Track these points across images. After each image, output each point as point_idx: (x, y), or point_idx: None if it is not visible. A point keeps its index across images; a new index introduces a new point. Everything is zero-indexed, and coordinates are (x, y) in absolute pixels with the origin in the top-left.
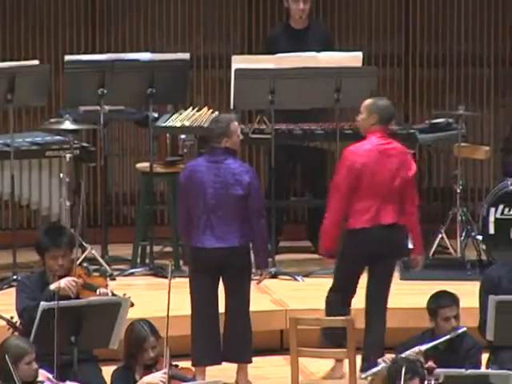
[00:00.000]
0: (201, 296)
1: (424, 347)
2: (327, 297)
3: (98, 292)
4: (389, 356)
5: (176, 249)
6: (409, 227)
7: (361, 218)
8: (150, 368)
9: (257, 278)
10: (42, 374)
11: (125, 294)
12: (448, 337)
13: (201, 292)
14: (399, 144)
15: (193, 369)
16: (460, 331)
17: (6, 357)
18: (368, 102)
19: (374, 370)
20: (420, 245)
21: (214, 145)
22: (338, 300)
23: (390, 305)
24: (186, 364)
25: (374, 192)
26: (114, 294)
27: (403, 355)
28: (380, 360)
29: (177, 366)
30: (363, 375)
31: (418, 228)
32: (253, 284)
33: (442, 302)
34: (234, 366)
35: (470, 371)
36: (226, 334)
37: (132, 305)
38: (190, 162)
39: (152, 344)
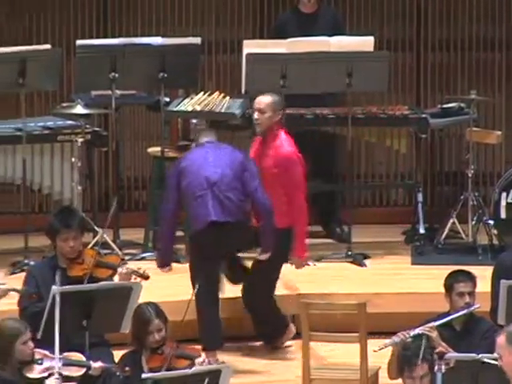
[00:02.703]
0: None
1: (437, 323)
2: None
3: (118, 271)
4: (404, 332)
5: (187, 232)
6: None
7: None
8: (156, 351)
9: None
10: (39, 353)
11: (140, 268)
12: (461, 313)
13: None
14: None
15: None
16: (474, 307)
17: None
18: (268, 100)
19: (387, 343)
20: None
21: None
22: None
23: (400, 290)
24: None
25: None
26: (137, 273)
27: (416, 331)
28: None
29: (184, 347)
30: (376, 348)
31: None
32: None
33: (458, 277)
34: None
35: (481, 355)
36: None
37: (147, 278)
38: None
39: (157, 327)
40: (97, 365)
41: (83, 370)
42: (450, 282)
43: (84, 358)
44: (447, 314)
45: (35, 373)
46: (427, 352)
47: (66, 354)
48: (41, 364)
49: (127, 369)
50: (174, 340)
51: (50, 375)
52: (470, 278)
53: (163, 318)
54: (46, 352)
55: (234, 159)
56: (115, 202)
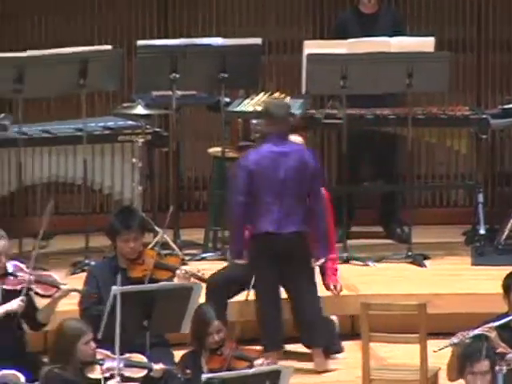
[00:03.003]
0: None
1: (496, 323)
2: None
3: (176, 273)
4: (463, 333)
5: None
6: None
7: None
8: (215, 352)
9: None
10: (101, 353)
11: (199, 271)
12: None
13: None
14: None
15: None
16: None
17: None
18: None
19: (447, 344)
20: None
21: (277, 130)
22: None
23: (460, 290)
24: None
25: None
26: (196, 275)
27: (475, 331)
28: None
29: (243, 348)
30: (436, 349)
31: None
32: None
33: None
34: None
35: None
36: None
37: (205, 280)
38: (254, 150)
39: (216, 328)
40: (158, 366)
41: (144, 372)
42: (509, 283)
43: (145, 359)
44: (506, 314)
45: (96, 373)
46: (489, 349)
47: (127, 355)
48: (102, 364)
49: (188, 371)
50: (233, 340)
51: (111, 376)
52: None
53: (223, 319)
54: (108, 352)
55: (301, 160)
56: (172, 206)
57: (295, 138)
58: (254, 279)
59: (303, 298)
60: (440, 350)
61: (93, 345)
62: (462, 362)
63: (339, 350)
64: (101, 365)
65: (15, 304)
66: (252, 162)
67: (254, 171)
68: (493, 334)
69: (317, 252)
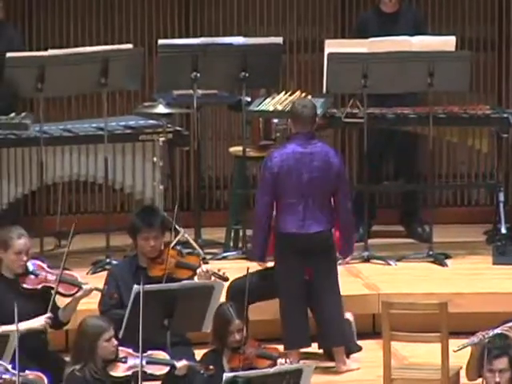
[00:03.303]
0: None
1: None
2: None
3: (197, 272)
4: (483, 332)
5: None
6: None
7: None
8: (237, 350)
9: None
10: (123, 351)
11: (219, 270)
12: None
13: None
14: None
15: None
16: None
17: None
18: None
19: (466, 343)
20: None
21: (303, 129)
22: None
23: (482, 290)
24: (280, 347)
25: None
26: (217, 274)
27: (495, 331)
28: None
29: (264, 347)
30: (455, 348)
31: None
32: (345, 268)
33: None
34: None
35: None
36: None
37: (227, 279)
38: (279, 150)
39: (237, 327)
40: (181, 364)
41: (167, 369)
42: None
43: (168, 357)
44: None
45: (120, 371)
46: (508, 347)
47: (149, 352)
48: (125, 362)
49: (211, 367)
50: (255, 339)
51: (133, 373)
52: None
53: (244, 318)
54: (130, 350)
55: (325, 160)
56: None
57: None
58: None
59: (325, 297)
60: (459, 349)
61: (114, 342)
62: (481, 359)
63: (358, 349)
64: (123, 362)
65: (42, 321)
66: (277, 162)
67: (279, 172)
68: None
69: (343, 250)
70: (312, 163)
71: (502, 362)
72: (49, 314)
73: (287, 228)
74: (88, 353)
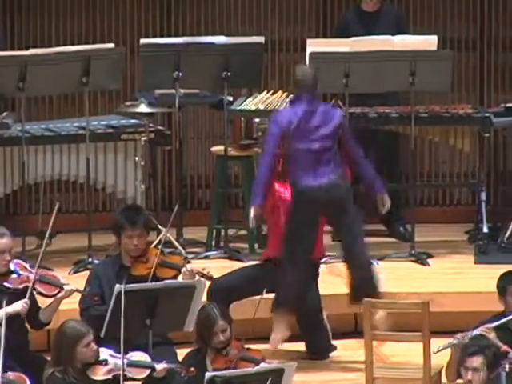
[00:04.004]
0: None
1: (494, 324)
2: None
3: (182, 271)
4: (462, 334)
5: (251, 231)
6: None
7: None
8: (221, 351)
9: None
10: (103, 352)
11: (204, 269)
12: None
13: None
14: None
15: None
16: None
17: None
18: None
19: (446, 345)
20: None
21: (309, 93)
22: None
23: (463, 289)
24: (262, 346)
25: None
26: (201, 273)
27: (473, 332)
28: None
29: (248, 348)
30: (435, 350)
31: None
32: (327, 267)
33: (510, 278)
34: None
35: None
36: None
37: (211, 278)
38: (285, 109)
39: (221, 328)
40: (161, 366)
41: (148, 372)
42: (503, 284)
43: (148, 358)
44: (502, 315)
45: (100, 374)
46: (487, 347)
47: (130, 353)
48: (105, 365)
49: (192, 369)
50: (240, 340)
51: (114, 377)
52: None
53: (228, 318)
54: (111, 351)
55: (328, 114)
56: (177, 205)
57: None
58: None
59: (356, 244)
60: (439, 351)
61: (94, 346)
62: (460, 359)
63: (332, 349)
64: (104, 365)
65: (19, 306)
66: (285, 117)
67: (287, 126)
68: (491, 335)
69: (376, 189)
70: (317, 118)
71: (476, 361)
72: (26, 299)
73: (302, 182)
74: (67, 357)
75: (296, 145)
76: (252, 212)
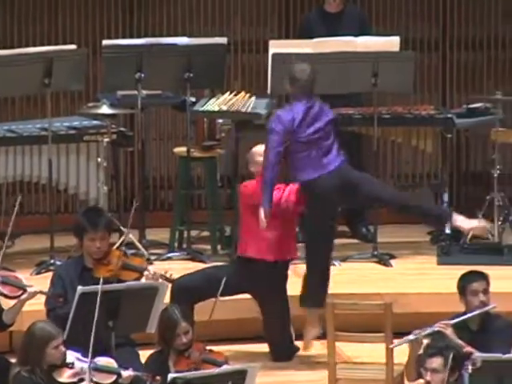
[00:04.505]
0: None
1: (453, 321)
2: None
3: (144, 274)
4: (419, 330)
5: (213, 233)
6: None
7: None
8: (183, 353)
9: None
10: (71, 355)
11: (166, 272)
12: (477, 312)
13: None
14: None
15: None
16: (489, 307)
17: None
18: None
19: (402, 341)
20: None
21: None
22: None
23: (426, 290)
24: (224, 348)
25: None
26: (164, 276)
27: (431, 328)
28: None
29: (211, 350)
30: (391, 346)
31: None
32: (290, 269)
33: (469, 277)
34: None
35: (507, 356)
36: None
37: (173, 281)
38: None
39: (184, 329)
40: (127, 373)
41: (114, 377)
42: (463, 284)
43: (115, 364)
44: (463, 314)
45: (65, 377)
46: (446, 348)
47: (97, 358)
48: (71, 368)
49: (158, 378)
50: (202, 342)
51: (79, 380)
52: (482, 275)
53: (190, 320)
54: (78, 355)
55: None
56: (135, 203)
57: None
58: (221, 287)
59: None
60: (396, 346)
61: (62, 348)
62: (418, 358)
63: (296, 350)
64: (70, 368)
65: None
66: (287, 115)
67: (290, 124)
68: (448, 331)
69: None
70: (315, 115)
71: (435, 362)
72: None
73: (312, 175)
74: (35, 358)
75: (298, 141)
76: (262, 214)
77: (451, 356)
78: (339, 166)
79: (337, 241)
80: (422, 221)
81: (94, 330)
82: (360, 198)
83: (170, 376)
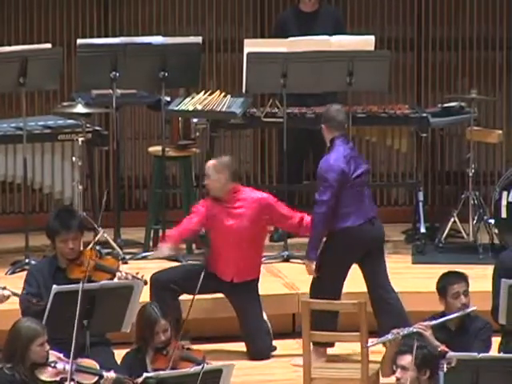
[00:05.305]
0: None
1: (433, 322)
2: None
3: (117, 275)
4: (397, 330)
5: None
6: None
7: None
8: (161, 351)
9: None
10: (53, 355)
11: (138, 273)
12: (458, 314)
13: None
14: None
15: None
16: (470, 310)
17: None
18: (212, 163)
19: (380, 340)
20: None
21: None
22: None
23: (401, 289)
24: (204, 347)
25: None
26: (136, 278)
27: (410, 329)
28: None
29: (188, 348)
30: (367, 345)
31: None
32: (265, 267)
33: (450, 279)
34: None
35: (482, 355)
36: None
37: (146, 283)
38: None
39: (163, 327)
40: (108, 375)
41: (95, 379)
42: (443, 285)
43: (97, 366)
44: (442, 314)
45: (47, 375)
46: (418, 347)
47: (80, 359)
48: (54, 367)
49: (138, 381)
50: (178, 340)
51: (61, 380)
52: (462, 277)
53: (168, 318)
54: (61, 355)
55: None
56: (104, 200)
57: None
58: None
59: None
60: (372, 345)
61: (47, 346)
62: (394, 355)
63: (272, 349)
64: (52, 367)
65: None
66: (342, 163)
67: (346, 171)
68: (427, 332)
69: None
70: (358, 158)
71: (404, 359)
72: None
73: (356, 221)
74: (19, 355)
75: (346, 186)
76: (309, 266)
77: (422, 356)
78: (376, 216)
79: None
80: (378, 321)
81: (75, 329)
82: (366, 265)
83: (143, 376)
